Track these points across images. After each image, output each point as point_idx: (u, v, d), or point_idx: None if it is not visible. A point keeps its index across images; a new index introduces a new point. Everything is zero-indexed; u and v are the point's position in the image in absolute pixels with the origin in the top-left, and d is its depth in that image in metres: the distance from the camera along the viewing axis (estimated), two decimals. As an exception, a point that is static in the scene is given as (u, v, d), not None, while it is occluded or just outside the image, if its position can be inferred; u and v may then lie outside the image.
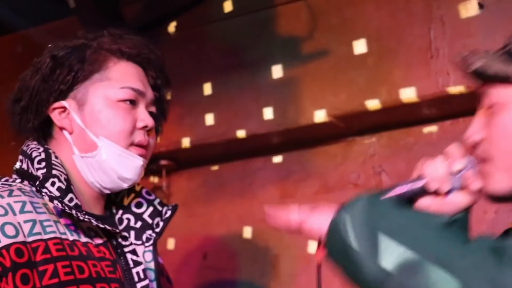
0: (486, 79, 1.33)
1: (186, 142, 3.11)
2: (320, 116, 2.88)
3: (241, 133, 3.03)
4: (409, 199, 1.40)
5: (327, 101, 2.87)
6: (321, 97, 2.89)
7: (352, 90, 2.82)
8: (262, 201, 3.10)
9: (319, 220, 1.33)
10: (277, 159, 3.15)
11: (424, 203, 1.40)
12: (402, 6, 2.81)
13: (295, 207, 1.39)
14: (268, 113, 2.98)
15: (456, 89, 2.62)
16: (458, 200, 1.38)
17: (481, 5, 2.64)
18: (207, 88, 3.10)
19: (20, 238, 1.42)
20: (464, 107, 2.70)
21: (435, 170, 1.37)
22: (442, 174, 1.36)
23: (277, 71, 3.00)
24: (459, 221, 1.37)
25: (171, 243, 3.19)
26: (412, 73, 2.74)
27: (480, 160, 1.34)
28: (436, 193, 1.38)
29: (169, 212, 1.73)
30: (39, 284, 1.41)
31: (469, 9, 2.66)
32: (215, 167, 3.28)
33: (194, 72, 3.05)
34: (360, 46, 2.85)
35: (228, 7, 3.14)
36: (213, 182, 3.26)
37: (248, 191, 3.17)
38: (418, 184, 1.39)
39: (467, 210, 1.40)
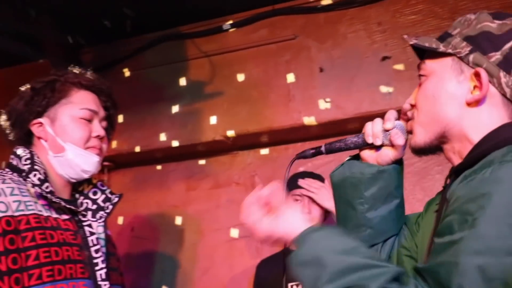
0: (421, 52, 1.18)
1: (121, 150, 3.05)
2: (215, 135, 2.89)
3: (160, 145, 3.00)
4: (358, 149, 1.27)
5: (220, 126, 2.89)
6: (216, 123, 2.90)
7: (238, 119, 2.86)
8: (174, 192, 3.12)
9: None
10: (185, 164, 3.14)
11: (365, 154, 1.25)
12: (272, 65, 2.89)
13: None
14: (180, 132, 2.96)
15: (305, 122, 2.74)
16: (387, 153, 1.21)
17: (321, 69, 2.79)
18: (137, 114, 3.04)
19: (9, 213, 1.40)
20: (308, 135, 2.85)
21: (371, 128, 1.22)
22: (376, 131, 1.20)
23: (186, 105, 3.00)
24: (387, 172, 1.22)
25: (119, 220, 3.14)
26: (277, 110, 2.81)
27: (409, 120, 1.19)
28: (373, 146, 1.23)
29: (116, 199, 1.73)
30: (21, 246, 1.39)
31: (314, 72, 2.81)
32: (141, 168, 3.22)
33: (129, 103, 2.98)
34: (244, 90, 2.90)
35: (154, 58, 3.10)
36: (140, 178, 3.20)
37: (164, 185, 3.14)
38: (360, 138, 1.24)
39: (398, 163, 1.24)
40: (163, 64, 3.08)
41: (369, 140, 1.21)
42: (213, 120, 2.91)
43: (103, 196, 1.71)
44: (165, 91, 3.05)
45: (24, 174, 1.51)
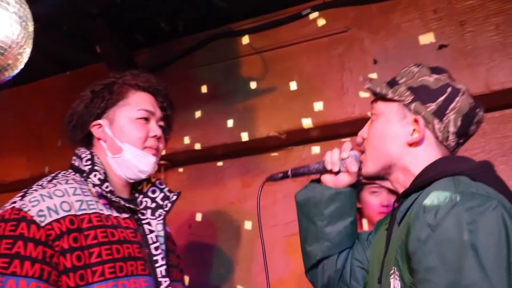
0: (374, 95, 1.39)
1: (177, 149, 3.09)
2: (269, 131, 2.89)
3: (214, 143, 3.02)
4: (319, 174, 1.51)
5: (274, 121, 2.88)
6: (270, 119, 2.89)
7: (291, 114, 2.84)
8: (229, 189, 3.13)
9: None
10: (240, 161, 3.14)
11: (325, 178, 1.49)
12: (324, 59, 2.85)
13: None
14: (234, 129, 2.97)
15: (359, 116, 2.69)
16: (343, 178, 1.46)
17: (375, 61, 2.73)
18: (194, 112, 3.07)
19: (72, 212, 1.44)
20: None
21: (330, 156, 1.46)
22: (334, 159, 1.44)
23: (240, 102, 3.00)
24: (343, 194, 1.46)
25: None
26: (330, 104, 2.77)
27: (362, 152, 1.41)
28: (331, 172, 1.46)
29: (174, 197, 1.74)
30: (84, 243, 1.43)
31: (367, 64, 2.75)
32: (197, 165, 3.25)
33: (184, 101, 3.01)
34: (296, 85, 2.87)
35: (207, 57, 3.12)
36: (196, 176, 3.23)
37: (220, 182, 3.16)
38: (320, 165, 1.48)
39: (353, 186, 1.48)
40: (214, 63, 3.09)
41: (328, 167, 1.45)
42: (267, 115, 2.90)
43: (162, 194, 1.73)
44: (219, 88, 3.06)
45: (85, 174, 1.55)
